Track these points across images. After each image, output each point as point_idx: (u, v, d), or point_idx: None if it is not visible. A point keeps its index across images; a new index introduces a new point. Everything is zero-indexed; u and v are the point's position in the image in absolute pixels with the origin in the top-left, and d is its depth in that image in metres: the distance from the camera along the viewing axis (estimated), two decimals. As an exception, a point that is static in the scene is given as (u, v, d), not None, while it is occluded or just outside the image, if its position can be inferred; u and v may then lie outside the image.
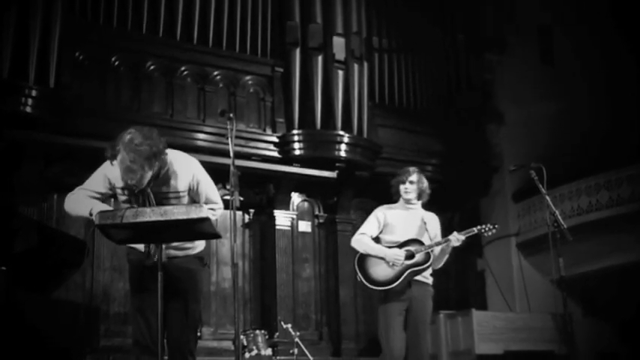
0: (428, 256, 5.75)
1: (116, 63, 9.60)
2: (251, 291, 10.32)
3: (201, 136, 9.76)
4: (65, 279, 7.41)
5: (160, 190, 4.34)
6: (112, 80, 9.54)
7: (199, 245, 4.63)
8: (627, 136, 12.20)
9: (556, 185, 11.03)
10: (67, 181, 5.47)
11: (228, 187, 4.96)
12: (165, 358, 4.40)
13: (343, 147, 10.39)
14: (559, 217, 5.73)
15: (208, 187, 4.49)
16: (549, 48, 13.60)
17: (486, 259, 12.20)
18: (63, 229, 8.38)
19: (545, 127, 12.53)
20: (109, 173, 4.34)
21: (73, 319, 6.21)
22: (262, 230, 10.54)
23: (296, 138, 10.29)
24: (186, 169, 4.41)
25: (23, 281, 6.02)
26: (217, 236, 4.34)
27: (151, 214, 4.02)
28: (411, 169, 6.00)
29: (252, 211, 10.48)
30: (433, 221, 5.99)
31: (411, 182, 5.92)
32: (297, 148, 10.27)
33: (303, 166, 10.36)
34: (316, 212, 10.96)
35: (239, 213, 10.03)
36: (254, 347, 8.03)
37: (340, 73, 10.57)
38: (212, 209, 4.36)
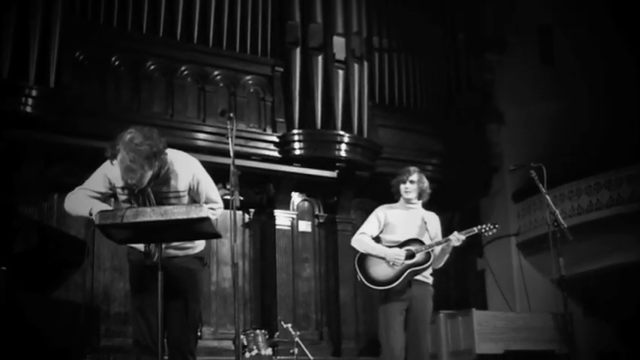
0: (428, 255, 5.75)
1: (116, 63, 9.60)
2: (251, 291, 10.32)
3: (201, 135, 9.76)
4: (65, 279, 7.41)
5: (160, 189, 4.34)
6: (112, 80, 9.54)
7: (199, 245, 4.63)
8: (627, 136, 12.20)
9: (556, 185, 11.04)
10: (67, 181, 5.47)
11: (228, 186, 4.95)
12: (166, 357, 4.40)
13: (343, 147, 10.39)
14: (559, 217, 5.72)
15: (208, 187, 4.49)
16: (549, 48, 13.61)
17: (486, 259, 12.20)
18: (63, 229, 8.37)
19: (546, 127, 12.54)
20: (109, 173, 4.34)
21: (74, 319, 6.21)
22: (262, 230, 10.54)
23: (296, 138, 10.29)
24: (186, 169, 4.41)
25: (23, 281, 6.02)
26: (217, 236, 4.34)
27: (152, 214, 4.02)
28: (412, 168, 6.00)
29: (252, 210, 10.48)
30: (433, 221, 5.99)
31: (412, 182, 5.91)
32: (298, 148, 10.27)
33: (303, 165, 10.36)
34: (316, 212, 10.96)
35: (239, 213, 10.04)
36: (254, 347, 8.03)
37: (340, 72, 10.57)
38: (212, 209, 4.36)
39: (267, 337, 8.25)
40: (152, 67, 9.82)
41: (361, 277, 5.83)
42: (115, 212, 4.08)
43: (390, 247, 5.80)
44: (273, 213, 10.41)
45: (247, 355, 7.95)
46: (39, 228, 6.99)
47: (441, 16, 12.52)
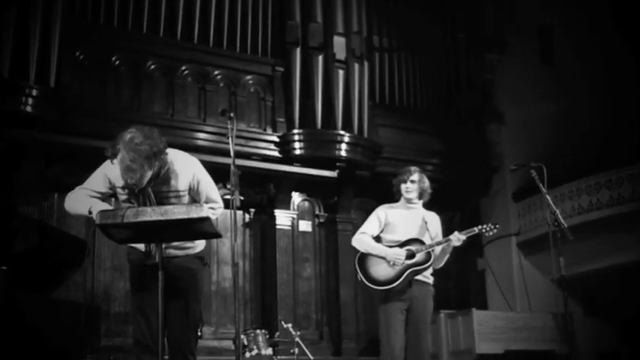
0: (429, 255, 5.74)
1: (116, 62, 9.60)
2: (252, 290, 10.32)
3: (201, 135, 9.77)
4: (66, 279, 7.41)
5: (161, 189, 4.34)
6: (113, 80, 9.54)
7: (200, 245, 4.63)
8: (627, 135, 12.20)
9: (556, 184, 11.04)
10: (67, 181, 5.47)
11: (228, 186, 4.96)
12: (166, 357, 4.40)
13: (344, 146, 10.39)
14: (559, 217, 5.72)
15: (208, 187, 4.49)
16: (549, 48, 13.60)
17: (487, 259, 12.20)
18: (63, 228, 8.38)
19: (546, 127, 12.53)
20: (109, 173, 4.34)
21: (74, 319, 6.20)
22: (263, 230, 10.54)
23: (296, 137, 10.29)
24: (186, 169, 4.41)
25: (23, 281, 6.02)
26: (218, 236, 4.34)
27: (152, 214, 4.02)
28: (413, 168, 6.00)
29: (252, 210, 10.48)
30: (434, 221, 5.98)
31: (412, 181, 5.91)
32: (298, 148, 10.27)
33: (303, 165, 10.36)
34: (317, 212, 10.96)
35: (239, 212, 10.04)
36: (254, 347, 8.02)
37: (341, 72, 10.57)
38: (212, 208, 4.36)
39: (267, 336, 8.25)
40: (152, 66, 9.82)
41: (361, 276, 5.83)
42: (115, 212, 4.08)
43: (390, 246, 5.80)
44: (273, 213, 10.42)
45: (247, 354, 7.94)
46: (39, 228, 6.98)
47: (441, 16, 12.52)
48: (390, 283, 5.71)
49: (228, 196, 4.68)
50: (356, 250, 5.94)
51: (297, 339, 8.27)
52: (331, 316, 10.62)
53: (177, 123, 9.69)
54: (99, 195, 4.38)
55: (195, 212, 4.03)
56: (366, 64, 10.91)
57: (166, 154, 4.28)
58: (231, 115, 4.90)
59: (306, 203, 10.92)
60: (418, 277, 5.78)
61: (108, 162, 4.26)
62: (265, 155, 10.18)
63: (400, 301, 5.73)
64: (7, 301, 5.53)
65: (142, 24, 9.76)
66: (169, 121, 9.61)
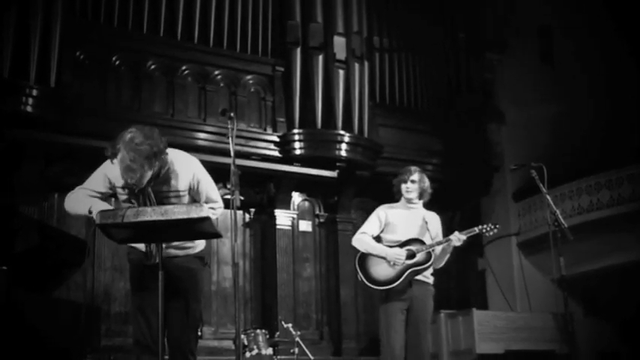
0: (429, 255, 5.75)
1: (117, 62, 9.60)
2: (252, 290, 10.32)
3: (202, 135, 9.77)
4: (66, 279, 7.41)
5: (161, 189, 4.34)
6: (113, 80, 9.54)
7: (200, 245, 4.63)
8: (627, 136, 12.19)
9: (557, 184, 11.04)
10: (67, 181, 5.47)
11: (228, 186, 4.96)
12: (166, 357, 4.40)
13: (344, 146, 10.39)
14: (560, 217, 5.73)
15: (209, 187, 4.49)
16: (549, 49, 13.60)
17: (487, 259, 12.20)
18: (64, 228, 8.38)
19: (546, 127, 12.54)
20: (109, 172, 4.34)
21: (74, 319, 6.20)
22: (263, 230, 10.54)
23: (297, 137, 10.29)
24: (186, 169, 4.42)
25: (24, 281, 6.02)
26: (218, 236, 4.34)
27: (152, 214, 4.02)
28: (413, 168, 6.00)
29: (252, 210, 10.48)
30: (434, 221, 5.99)
31: (413, 181, 5.91)
32: (298, 148, 10.27)
33: (303, 165, 10.35)
34: (317, 212, 10.96)
35: (240, 212, 10.04)
36: (255, 347, 8.02)
37: (341, 72, 10.57)
38: (212, 208, 4.36)
39: (267, 336, 8.25)
40: (153, 66, 9.82)
41: (362, 276, 5.83)
42: (115, 212, 4.08)
43: (390, 246, 5.80)
44: (273, 213, 10.41)
45: (248, 354, 7.94)
46: (39, 228, 6.99)
47: (441, 17, 12.51)
48: (391, 283, 5.71)
49: (229, 196, 4.68)
50: (356, 250, 5.94)
51: (297, 339, 8.26)
52: (331, 316, 10.62)
53: (177, 123, 9.69)
54: (99, 195, 4.38)
55: (195, 212, 4.03)
56: (366, 64, 10.90)
57: (166, 154, 4.28)
58: (232, 115, 4.90)
59: (307, 203, 10.92)
60: (418, 277, 5.79)
61: (108, 162, 4.26)
62: (265, 155, 10.18)
63: (400, 301, 5.74)
64: (7, 301, 5.53)
65: (143, 24, 9.76)
66: (169, 121, 9.60)
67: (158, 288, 4.17)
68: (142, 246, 4.42)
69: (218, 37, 10.26)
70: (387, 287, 5.73)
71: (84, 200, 4.31)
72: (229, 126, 4.88)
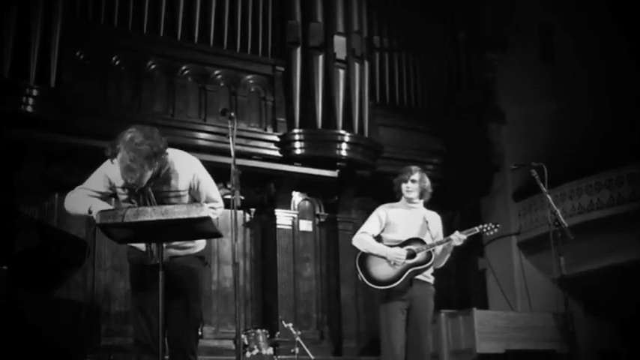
0: (429, 255, 5.74)
1: (117, 62, 9.60)
2: (252, 290, 10.32)
3: (202, 135, 9.77)
4: (66, 278, 7.41)
5: (161, 189, 4.34)
6: (113, 79, 9.54)
7: (200, 244, 4.63)
8: (628, 135, 12.20)
9: (557, 184, 11.03)
10: (67, 181, 5.46)
11: (229, 186, 4.96)
12: (166, 357, 4.40)
13: (344, 146, 10.39)
14: (560, 216, 5.72)
15: (209, 186, 4.49)
16: (550, 47, 13.60)
17: (487, 258, 12.20)
18: (64, 228, 8.38)
19: (546, 126, 12.54)
20: (109, 172, 4.34)
21: (74, 319, 6.20)
22: (263, 229, 10.54)
23: (297, 137, 10.29)
24: (186, 169, 4.41)
25: (24, 281, 6.02)
26: (218, 235, 4.34)
27: (152, 214, 4.01)
28: (413, 167, 6.00)
29: (253, 210, 10.49)
30: (435, 220, 5.98)
31: (413, 181, 5.91)
32: (298, 148, 10.27)
33: (304, 165, 10.36)
34: (317, 211, 10.96)
35: (240, 212, 10.05)
36: (255, 346, 8.02)
37: (341, 72, 10.57)
38: (213, 208, 4.36)
39: (268, 336, 8.24)
40: (153, 66, 9.82)
41: (362, 276, 5.82)
42: (115, 211, 4.08)
43: (391, 246, 5.80)
44: (274, 212, 10.42)
45: (248, 354, 7.94)
46: (40, 227, 6.99)
47: (441, 15, 12.51)
48: (391, 283, 5.71)
49: (229, 196, 4.68)
50: (356, 250, 5.94)
51: (297, 338, 8.26)
52: (332, 315, 10.62)
53: (177, 123, 9.69)
54: (99, 195, 4.38)
55: (195, 212, 4.03)
56: (366, 63, 10.91)
57: (166, 154, 4.28)
58: (232, 114, 4.89)
59: (307, 203, 10.92)
60: (419, 276, 5.79)
61: (108, 162, 4.26)
62: (266, 155, 10.18)
63: (401, 300, 5.73)
64: (7, 301, 5.53)
65: (143, 24, 9.76)
66: (170, 121, 9.61)
67: (158, 288, 4.16)
68: (142, 246, 4.42)
69: (218, 37, 10.26)
70: (388, 287, 5.72)
71: (84, 200, 4.31)
72: (229, 126, 4.87)
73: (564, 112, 12.72)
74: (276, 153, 10.27)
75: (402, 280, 5.69)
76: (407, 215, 5.93)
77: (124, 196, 4.38)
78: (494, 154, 12.14)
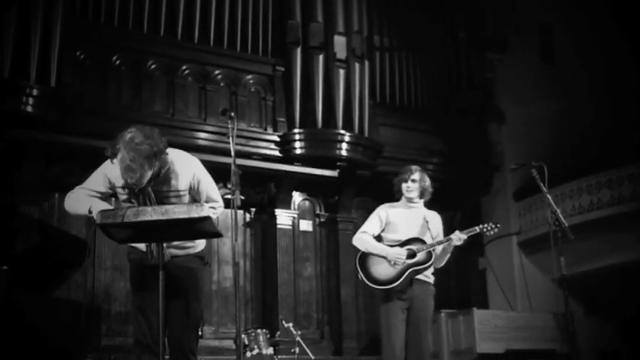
0: (429, 255, 5.74)
1: (117, 62, 9.60)
2: (252, 290, 10.32)
3: (202, 135, 9.77)
4: (66, 278, 7.41)
5: (161, 189, 4.34)
6: (113, 79, 9.55)
7: (200, 244, 4.63)
8: (628, 135, 12.20)
9: (557, 184, 11.04)
10: (67, 181, 5.46)
11: (229, 186, 4.95)
12: (167, 357, 4.40)
13: (344, 146, 10.39)
14: (560, 216, 5.72)
15: (209, 186, 4.48)
16: (550, 47, 13.60)
17: (488, 258, 12.20)
18: (64, 228, 8.38)
19: (546, 126, 12.54)
20: (109, 172, 4.33)
21: (74, 319, 6.20)
22: (263, 229, 10.54)
23: (297, 137, 10.29)
24: (186, 169, 4.41)
25: (24, 281, 6.02)
26: (218, 235, 4.33)
27: (152, 213, 4.01)
28: (414, 167, 5.99)
29: (253, 210, 10.49)
30: (435, 220, 5.98)
31: (414, 180, 5.90)
32: (299, 147, 10.27)
33: (304, 165, 10.36)
34: (317, 211, 10.96)
35: (240, 212, 10.05)
36: (255, 346, 8.02)
37: (341, 72, 10.57)
38: (213, 208, 4.36)
39: (268, 336, 8.24)
40: (153, 66, 9.82)
41: (362, 276, 5.82)
42: (115, 211, 4.08)
43: (391, 246, 5.80)
44: (274, 212, 10.42)
45: (248, 354, 7.94)
46: (40, 227, 6.99)
47: (441, 15, 12.51)
48: (391, 283, 5.70)
49: (229, 196, 4.67)
50: (357, 250, 5.93)
51: (298, 338, 8.26)
52: (332, 315, 10.62)
53: (177, 122, 9.70)
54: (99, 195, 4.37)
55: (195, 212, 4.02)
56: (366, 63, 10.91)
57: (166, 154, 4.27)
58: (232, 114, 4.89)
59: (307, 203, 10.92)
60: (419, 276, 5.78)
61: (108, 162, 4.25)
62: (266, 155, 10.19)
63: (401, 300, 5.73)
64: (7, 301, 5.52)
65: (143, 24, 9.76)
66: (170, 121, 9.61)
67: (158, 288, 4.16)
68: (142, 246, 4.41)
69: (218, 37, 10.27)
70: (388, 287, 5.72)
71: (84, 200, 4.30)
72: (230, 126, 4.87)
73: (564, 112, 12.72)
74: (277, 153, 10.28)
75: (402, 279, 5.68)
76: (407, 215, 5.92)
77: (124, 196, 4.37)
78: (494, 154, 12.14)
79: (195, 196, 4.44)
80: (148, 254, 4.31)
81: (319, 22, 10.66)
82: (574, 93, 12.88)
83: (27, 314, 5.81)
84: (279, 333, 8.73)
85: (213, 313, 9.87)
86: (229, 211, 4.65)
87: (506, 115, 12.50)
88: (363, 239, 5.89)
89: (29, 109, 8.47)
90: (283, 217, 10.48)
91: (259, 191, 10.36)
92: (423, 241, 5.78)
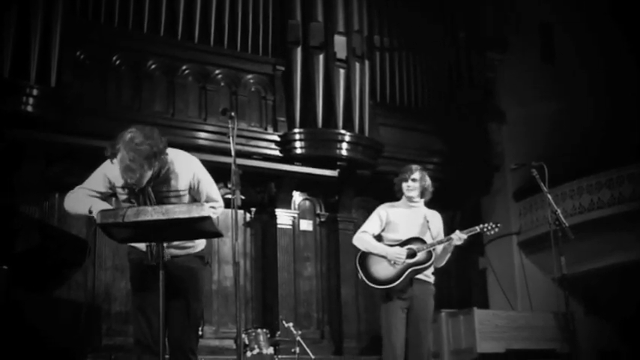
0: (430, 254, 5.73)
1: (117, 62, 9.60)
2: (253, 290, 10.33)
3: (202, 135, 9.77)
4: (66, 278, 7.40)
5: (161, 189, 4.33)
6: (113, 79, 9.55)
7: (200, 244, 4.63)
8: (628, 135, 12.20)
9: (557, 183, 11.03)
10: (67, 181, 5.46)
11: (229, 185, 4.95)
12: (167, 357, 4.40)
13: (344, 145, 10.39)
14: (560, 216, 5.71)
15: (209, 186, 4.48)
16: (550, 47, 13.60)
17: (488, 258, 12.21)
18: (64, 228, 8.37)
19: (546, 126, 12.54)
20: (109, 172, 4.33)
21: (75, 319, 6.19)
22: (264, 229, 10.54)
23: (297, 137, 10.29)
24: (186, 168, 4.41)
25: (24, 281, 6.02)
26: (219, 235, 4.33)
27: (153, 213, 4.01)
28: (414, 166, 5.99)
29: (253, 209, 10.49)
30: (436, 219, 5.97)
31: (414, 180, 5.90)
32: (299, 147, 10.27)
33: (304, 164, 10.36)
34: (318, 211, 10.96)
35: (240, 212, 10.05)
36: (256, 346, 8.03)
37: (341, 71, 10.57)
38: (213, 207, 4.35)
39: (268, 336, 8.25)
40: (153, 66, 9.82)
41: (362, 275, 5.82)
42: (116, 211, 4.08)
43: (391, 245, 5.79)
44: (274, 212, 10.42)
45: (249, 354, 7.94)
46: (40, 227, 6.98)
47: (441, 15, 12.50)
48: (391, 282, 5.70)
49: (229, 196, 4.67)
50: (357, 249, 5.93)
51: (298, 338, 8.27)
52: (332, 315, 10.62)
53: (178, 122, 9.70)
54: (99, 195, 4.37)
55: (196, 211, 4.02)
56: (366, 63, 10.91)
57: (166, 154, 4.27)
58: (232, 114, 4.88)
59: (307, 202, 10.92)
60: (419, 276, 5.77)
61: (108, 162, 4.25)
62: (266, 154, 10.19)
63: (401, 299, 5.73)
64: (7, 301, 5.52)
65: (143, 23, 9.76)
66: (170, 121, 9.61)
67: (159, 287, 4.16)
68: (142, 246, 4.41)
69: (219, 37, 10.26)
70: (388, 286, 5.72)
71: (84, 200, 4.30)
72: (230, 125, 4.86)
73: (564, 111, 12.71)
74: (277, 152, 10.28)
75: (402, 279, 5.68)
76: (407, 214, 5.92)
77: (124, 196, 4.37)
78: (494, 154, 12.14)
79: (195, 196, 4.43)
80: (148, 254, 4.31)
81: (319, 22, 10.66)
82: (574, 93, 12.88)
83: (27, 314, 5.81)
84: (279, 333, 8.74)
85: (213, 313, 9.87)
86: (229, 210, 4.65)
87: (506, 114, 12.50)
88: (363, 239, 5.89)
89: (29, 109, 8.47)
90: (283, 217, 10.48)
91: (259, 191, 10.36)
92: (423, 241, 5.78)
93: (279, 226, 10.41)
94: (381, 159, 10.84)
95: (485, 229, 5.84)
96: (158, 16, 9.85)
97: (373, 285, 5.77)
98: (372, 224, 5.94)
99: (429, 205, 6.08)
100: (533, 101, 12.59)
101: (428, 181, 5.95)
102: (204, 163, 4.55)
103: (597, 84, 13.00)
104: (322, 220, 10.93)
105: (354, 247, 5.98)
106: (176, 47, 9.96)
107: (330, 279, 10.73)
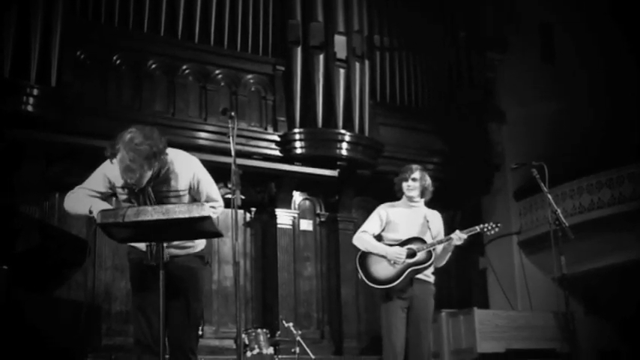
0: (430, 254, 5.73)
1: (117, 62, 9.60)
2: (253, 289, 10.33)
3: (202, 134, 9.77)
4: (67, 278, 7.40)
5: (161, 189, 4.34)
6: (114, 79, 9.55)
7: (200, 244, 4.63)
8: (628, 134, 12.20)
9: (557, 183, 11.02)
10: (68, 181, 5.46)
11: (229, 185, 4.95)
12: (167, 357, 4.40)
13: (345, 145, 10.39)
14: (560, 216, 5.71)
15: (209, 186, 4.48)
16: (550, 47, 13.60)
17: (488, 258, 12.20)
18: (64, 228, 8.37)
19: (547, 126, 12.54)
20: (109, 172, 4.33)
21: (75, 319, 6.19)
22: (264, 229, 10.54)
23: (297, 136, 10.29)
24: (186, 168, 4.41)
25: (24, 281, 6.02)
26: (219, 235, 4.33)
27: (153, 213, 4.01)
28: (414, 166, 5.99)
29: (253, 209, 10.49)
30: (436, 219, 5.97)
31: (414, 180, 5.90)
32: (299, 147, 10.27)
33: (304, 164, 10.35)
34: (318, 211, 10.96)
35: (240, 212, 10.05)
36: (256, 346, 8.03)
37: (341, 71, 10.57)
38: (213, 207, 4.36)
39: (268, 336, 8.25)
40: (153, 65, 9.82)
41: (362, 275, 5.82)
42: (116, 211, 4.08)
43: (391, 245, 5.79)
44: (274, 212, 10.42)
45: (249, 354, 7.94)
46: (40, 227, 6.98)
47: (441, 15, 12.49)
48: (391, 282, 5.70)
49: (229, 196, 4.67)
50: (357, 249, 5.93)
51: (298, 338, 8.27)
52: (332, 315, 10.62)
53: (178, 122, 9.70)
54: (99, 195, 4.37)
55: (196, 211, 4.02)
56: (367, 63, 10.90)
57: (166, 154, 4.27)
58: (232, 114, 4.88)
59: (307, 202, 10.92)
60: (419, 275, 5.78)
61: (108, 162, 4.25)
62: (266, 154, 10.18)
63: (401, 299, 5.73)
64: (7, 301, 5.52)
65: (143, 23, 9.76)
66: (170, 121, 9.61)
67: (159, 287, 4.16)
68: (142, 246, 4.41)
69: (219, 36, 10.26)
70: (388, 286, 5.72)
71: (84, 200, 4.31)
72: (230, 125, 4.86)
73: (564, 111, 12.71)
74: (277, 152, 10.27)
75: (401, 279, 5.68)
76: (408, 214, 5.92)
77: (124, 196, 4.38)
78: (494, 154, 12.14)
79: (195, 196, 4.44)
80: (148, 254, 4.31)
81: (319, 22, 10.66)
82: (574, 93, 12.88)
83: (27, 314, 5.81)
84: (279, 333, 8.74)
85: (213, 313, 9.87)
86: (229, 210, 4.65)
87: (506, 114, 12.50)
88: (363, 238, 5.89)
89: (29, 108, 8.47)
90: (283, 217, 10.48)
91: (260, 191, 10.36)
92: (423, 241, 5.78)
93: (279, 226, 10.41)
94: (381, 159, 10.84)
95: (485, 229, 5.84)
96: (158, 15, 9.85)
97: (373, 285, 5.78)
98: (372, 224, 5.94)
99: (430, 204, 6.08)
100: (533, 101, 12.59)
101: (428, 181, 5.95)
102: (205, 163, 4.55)
103: (597, 84, 13.00)
104: (322, 220, 10.93)
105: (354, 246, 5.98)
106: (176, 47, 9.96)
107: (330, 279, 10.73)
